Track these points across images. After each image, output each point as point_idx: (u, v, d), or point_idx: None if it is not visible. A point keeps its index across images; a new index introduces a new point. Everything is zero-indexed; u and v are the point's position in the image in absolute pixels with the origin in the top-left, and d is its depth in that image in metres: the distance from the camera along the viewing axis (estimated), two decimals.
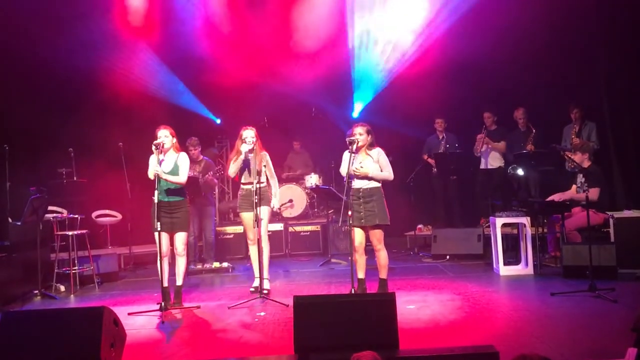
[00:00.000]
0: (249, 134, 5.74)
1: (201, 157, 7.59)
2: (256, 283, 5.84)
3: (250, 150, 5.69)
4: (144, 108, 8.32)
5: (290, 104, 9.23)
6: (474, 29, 7.94)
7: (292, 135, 9.63)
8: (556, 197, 6.61)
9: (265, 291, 5.69)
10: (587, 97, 7.86)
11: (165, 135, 5.41)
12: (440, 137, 8.62)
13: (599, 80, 7.94)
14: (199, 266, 7.29)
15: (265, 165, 5.76)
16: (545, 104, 8.14)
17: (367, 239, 5.32)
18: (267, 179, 5.90)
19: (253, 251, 5.89)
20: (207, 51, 8.52)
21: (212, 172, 7.34)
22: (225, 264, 7.33)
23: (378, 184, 5.28)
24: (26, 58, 7.67)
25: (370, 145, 5.33)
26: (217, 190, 7.52)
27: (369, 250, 5.44)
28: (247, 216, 5.83)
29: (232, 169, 5.87)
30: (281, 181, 8.48)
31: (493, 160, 8.32)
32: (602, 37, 7.85)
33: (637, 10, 7.33)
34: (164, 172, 5.30)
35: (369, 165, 5.24)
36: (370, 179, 5.23)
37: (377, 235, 5.24)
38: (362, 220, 5.20)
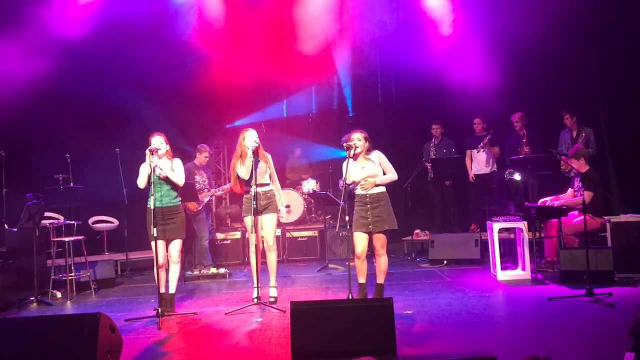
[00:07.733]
0: (252, 134, 5.66)
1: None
2: (256, 293, 5.50)
3: (255, 152, 5.53)
4: (141, 113, 8.31)
5: (289, 108, 9.25)
6: (470, 35, 7.99)
7: (291, 141, 9.61)
8: (549, 200, 6.63)
9: (272, 299, 5.62)
10: (582, 102, 7.90)
11: (160, 142, 5.43)
12: (434, 142, 8.62)
13: (594, 86, 7.98)
14: (196, 272, 7.27)
15: (269, 168, 5.67)
16: (540, 109, 8.16)
17: (369, 244, 5.26)
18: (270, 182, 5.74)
19: (254, 259, 5.61)
20: (204, 53, 8.51)
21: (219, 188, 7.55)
22: (222, 270, 7.31)
23: (383, 189, 5.25)
24: (23, 63, 7.65)
25: (368, 151, 5.33)
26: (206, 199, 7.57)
27: (367, 256, 5.41)
28: (251, 221, 5.58)
29: (243, 170, 5.58)
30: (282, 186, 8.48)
31: (485, 165, 8.34)
32: (596, 42, 7.91)
33: (629, 15, 7.38)
34: (162, 171, 5.32)
35: (372, 170, 5.22)
36: (377, 185, 5.21)
37: (382, 241, 5.20)
38: (370, 227, 5.15)
